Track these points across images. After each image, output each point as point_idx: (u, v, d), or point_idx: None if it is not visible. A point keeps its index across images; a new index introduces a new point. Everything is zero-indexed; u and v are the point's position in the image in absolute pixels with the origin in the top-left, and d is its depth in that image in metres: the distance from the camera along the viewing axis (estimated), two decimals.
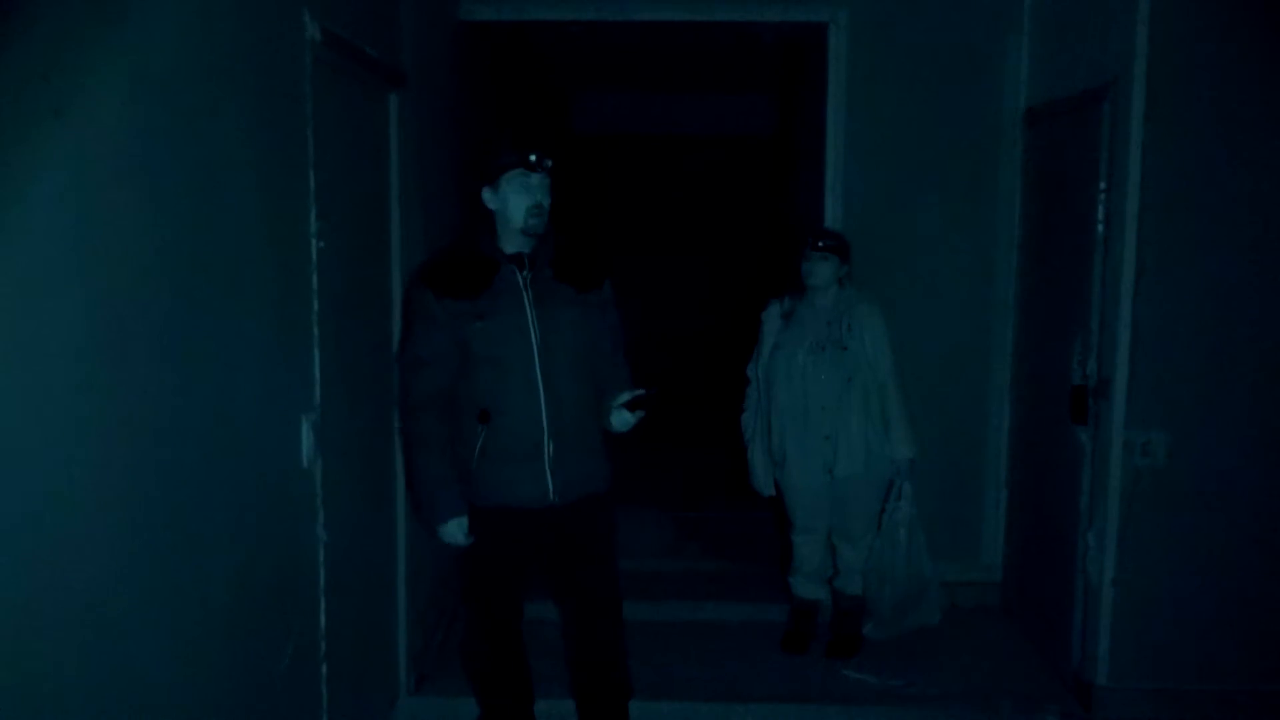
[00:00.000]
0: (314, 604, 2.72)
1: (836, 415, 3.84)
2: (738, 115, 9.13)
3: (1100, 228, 3.61)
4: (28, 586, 1.51)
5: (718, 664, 4.04)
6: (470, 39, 4.64)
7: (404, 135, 3.47)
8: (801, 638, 4.17)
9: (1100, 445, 3.63)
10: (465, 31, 4.54)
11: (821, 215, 4.49)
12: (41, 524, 1.54)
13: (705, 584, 4.82)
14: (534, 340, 2.81)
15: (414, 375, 2.88)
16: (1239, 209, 3.46)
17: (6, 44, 1.44)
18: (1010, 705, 3.74)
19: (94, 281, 1.66)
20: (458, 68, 4.44)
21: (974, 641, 4.26)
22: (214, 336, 2.09)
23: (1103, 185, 3.59)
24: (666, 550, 5.24)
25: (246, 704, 2.30)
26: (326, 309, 2.73)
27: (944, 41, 4.41)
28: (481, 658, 3.12)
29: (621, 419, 2.90)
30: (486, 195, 2.84)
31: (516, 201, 2.79)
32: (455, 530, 2.88)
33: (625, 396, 2.89)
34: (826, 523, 4.06)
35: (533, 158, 2.78)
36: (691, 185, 10.14)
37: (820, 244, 3.87)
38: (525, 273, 2.84)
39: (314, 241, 2.65)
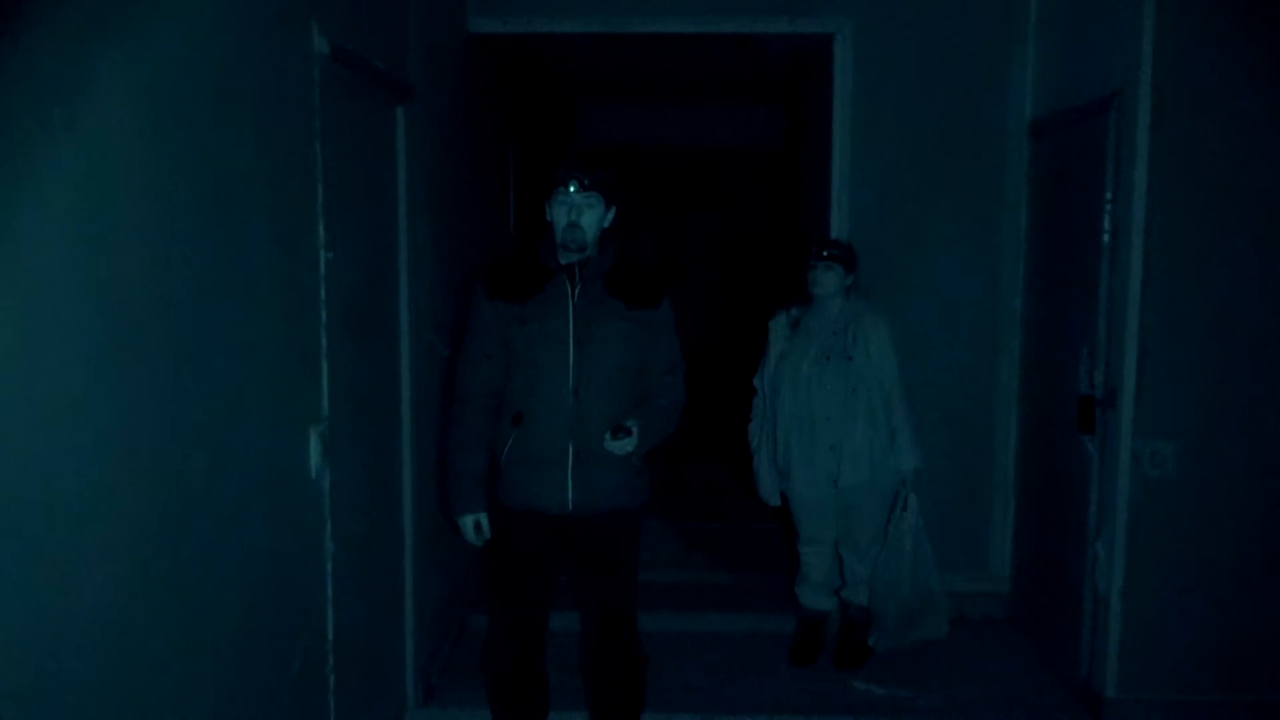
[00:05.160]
0: (322, 615, 2.73)
1: (841, 426, 3.84)
2: (745, 126, 9.15)
3: (1106, 238, 3.61)
4: (36, 596, 1.52)
5: (726, 675, 4.03)
6: (479, 51, 4.67)
7: (412, 147, 3.49)
8: (809, 648, 4.16)
9: (1108, 455, 3.62)
10: (474, 44, 4.57)
11: (827, 225, 4.50)
12: (49, 533, 1.55)
13: (712, 595, 4.82)
14: (570, 349, 2.87)
15: (462, 371, 3.00)
16: (1246, 219, 3.46)
17: (19, 59, 1.46)
18: (1018, 716, 3.73)
19: (103, 293, 1.67)
20: (466, 80, 4.46)
21: (982, 652, 4.25)
22: (222, 347, 2.10)
23: (1109, 196, 3.59)
24: (674, 561, 5.24)
25: (254, 715, 2.30)
26: (335, 320, 2.75)
27: (949, 52, 4.42)
28: (501, 664, 3.10)
29: (608, 444, 2.83)
30: (547, 208, 2.94)
31: (558, 217, 2.89)
32: (469, 525, 2.97)
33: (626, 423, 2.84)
34: (833, 533, 4.06)
35: (565, 178, 2.87)
36: (699, 196, 10.15)
37: (825, 254, 3.88)
38: (576, 284, 2.90)
39: (322, 253, 2.67)
